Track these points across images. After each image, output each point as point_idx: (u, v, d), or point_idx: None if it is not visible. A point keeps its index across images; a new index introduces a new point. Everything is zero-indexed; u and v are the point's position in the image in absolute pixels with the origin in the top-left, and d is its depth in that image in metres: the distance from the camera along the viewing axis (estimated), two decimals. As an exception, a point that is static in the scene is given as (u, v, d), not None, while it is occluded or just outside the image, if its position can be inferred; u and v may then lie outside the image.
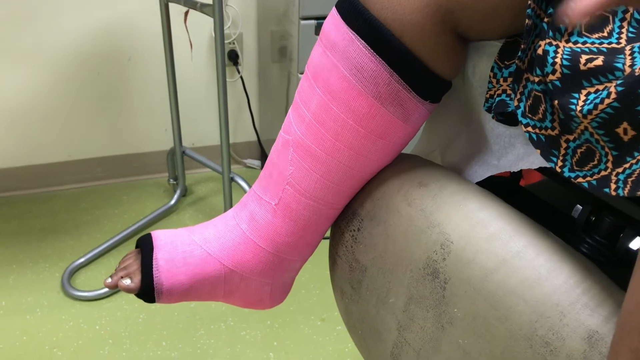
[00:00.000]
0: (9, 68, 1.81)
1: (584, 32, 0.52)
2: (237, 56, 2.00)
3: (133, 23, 1.87)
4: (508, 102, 0.59)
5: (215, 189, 2.08)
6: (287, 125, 0.68)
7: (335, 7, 0.63)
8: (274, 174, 0.69)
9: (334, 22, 0.62)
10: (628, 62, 0.48)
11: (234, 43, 1.98)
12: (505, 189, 0.76)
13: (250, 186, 1.74)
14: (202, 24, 1.90)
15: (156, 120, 2.04)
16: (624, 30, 0.52)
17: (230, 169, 1.66)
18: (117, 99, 1.97)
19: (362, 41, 0.59)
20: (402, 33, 0.58)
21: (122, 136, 2.04)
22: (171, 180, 1.97)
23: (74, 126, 1.96)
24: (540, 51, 0.52)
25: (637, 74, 0.45)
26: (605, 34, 0.52)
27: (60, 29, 1.80)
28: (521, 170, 0.64)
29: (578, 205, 0.64)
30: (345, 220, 0.72)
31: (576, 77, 0.50)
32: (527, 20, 0.54)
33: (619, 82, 0.46)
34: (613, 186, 0.48)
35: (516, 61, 0.58)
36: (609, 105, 0.46)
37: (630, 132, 0.46)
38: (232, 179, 1.69)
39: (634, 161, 0.46)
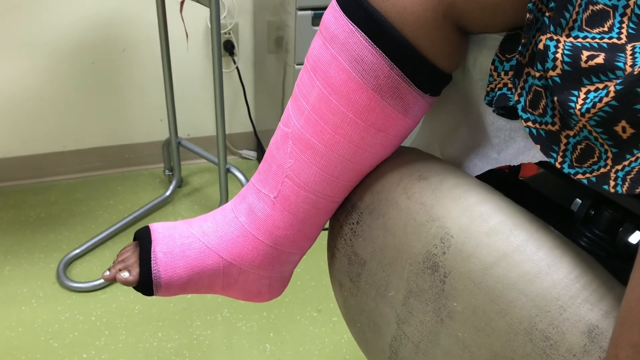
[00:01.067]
0: (2, 58, 1.79)
1: (584, 27, 0.52)
2: (233, 46, 1.99)
3: (128, 13, 1.85)
4: (509, 96, 0.59)
5: (211, 179, 2.07)
6: (286, 117, 0.68)
7: (336, -1, 0.62)
8: (273, 167, 0.69)
9: (334, 14, 0.61)
10: (629, 62, 0.47)
11: (229, 33, 1.97)
12: (505, 183, 0.76)
13: (246, 177, 1.74)
14: (197, 14, 1.89)
15: (152, 111, 2.03)
16: (624, 25, 0.52)
17: (226, 159, 1.65)
18: (112, 90, 1.96)
19: (363, 33, 0.59)
20: (403, 25, 0.58)
21: (117, 127, 2.03)
22: (167, 171, 1.97)
23: (69, 117, 1.95)
24: (541, 46, 0.52)
25: (636, 72, 0.44)
26: (605, 28, 0.52)
27: (55, 19, 1.78)
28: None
29: (577, 199, 0.64)
30: (344, 213, 0.72)
31: (577, 73, 0.49)
32: (528, 14, 0.54)
33: (618, 81, 0.46)
34: (612, 183, 0.48)
35: (517, 55, 0.58)
36: (607, 103, 0.46)
37: (629, 130, 0.46)
38: (228, 170, 1.69)
39: (633, 159, 0.46)
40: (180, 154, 1.93)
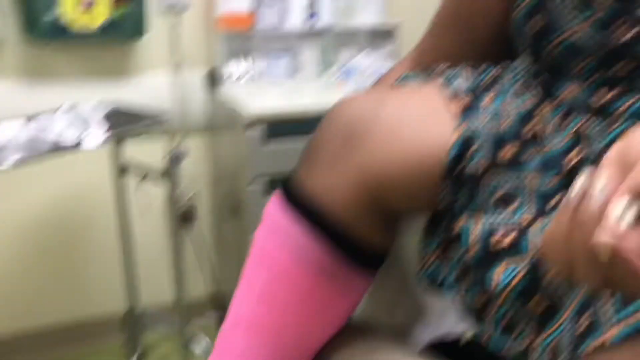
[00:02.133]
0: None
1: (494, 210, 0.58)
2: (192, 216, 2.04)
3: (86, 192, 1.92)
4: (438, 272, 0.64)
5: (173, 348, 2.03)
6: (236, 304, 0.71)
7: (278, 191, 0.69)
8: (225, 353, 0.70)
9: (277, 206, 0.67)
10: (534, 241, 0.53)
11: (189, 203, 2.04)
12: (456, 344, 0.79)
13: (209, 340, 1.72)
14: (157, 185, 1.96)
15: (111, 283, 2.03)
16: (530, 205, 0.59)
17: (188, 324, 1.64)
18: (70, 265, 1.97)
19: (303, 223, 0.64)
20: (338, 215, 0.63)
21: (76, 301, 2.01)
22: (127, 343, 1.92)
23: (25, 294, 1.93)
24: (457, 230, 0.58)
25: (537, 256, 0.50)
26: (512, 209, 0.58)
27: (11, 199, 1.83)
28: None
29: None
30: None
31: (490, 255, 0.55)
32: (440, 203, 0.61)
33: (526, 261, 0.51)
34: (535, 355, 0.52)
35: (442, 234, 0.63)
36: (519, 281, 0.51)
37: (543, 304, 0.51)
38: (189, 339, 1.67)
39: (550, 331, 0.51)
40: (142, 324, 1.90)
